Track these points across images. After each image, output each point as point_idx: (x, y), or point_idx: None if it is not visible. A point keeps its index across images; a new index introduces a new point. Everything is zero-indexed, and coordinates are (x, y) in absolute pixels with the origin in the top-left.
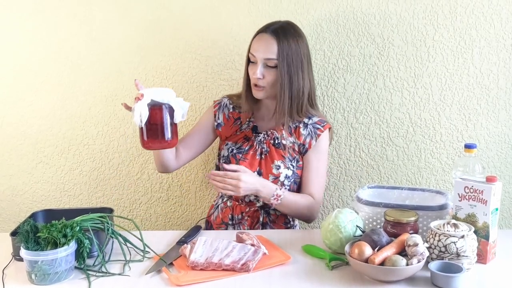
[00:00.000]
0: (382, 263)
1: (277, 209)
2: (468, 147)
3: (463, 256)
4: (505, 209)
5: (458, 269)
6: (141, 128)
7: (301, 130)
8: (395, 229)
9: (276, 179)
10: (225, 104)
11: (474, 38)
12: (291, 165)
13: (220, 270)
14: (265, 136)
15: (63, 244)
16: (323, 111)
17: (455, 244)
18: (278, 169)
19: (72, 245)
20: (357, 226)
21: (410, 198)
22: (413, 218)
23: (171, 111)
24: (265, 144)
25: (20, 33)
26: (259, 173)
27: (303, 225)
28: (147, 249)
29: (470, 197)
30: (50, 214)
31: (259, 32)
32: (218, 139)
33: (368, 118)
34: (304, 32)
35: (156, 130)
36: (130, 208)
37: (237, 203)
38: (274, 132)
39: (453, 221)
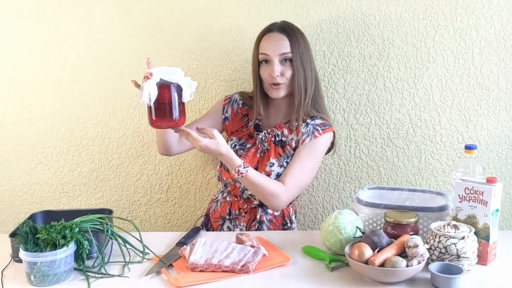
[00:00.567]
0: (382, 265)
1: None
2: (469, 148)
3: (463, 257)
4: (506, 210)
5: (458, 271)
6: (150, 107)
7: (302, 128)
8: (395, 230)
9: (267, 176)
10: (235, 99)
11: (475, 39)
12: (286, 162)
13: (219, 272)
14: (266, 134)
15: (62, 246)
16: None
17: (456, 246)
18: (271, 166)
19: (71, 247)
20: (357, 227)
21: (410, 199)
22: (413, 219)
23: (180, 90)
24: (266, 143)
25: (20, 34)
26: (256, 169)
27: (303, 226)
28: (146, 250)
29: (470, 198)
30: (49, 215)
31: (265, 32)
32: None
33: (368, 119)
34: (304, 33)
35: (164, 109)
36: (129, 209)
37: (235, 199)
38: (275, 129)
39: (454, 222)
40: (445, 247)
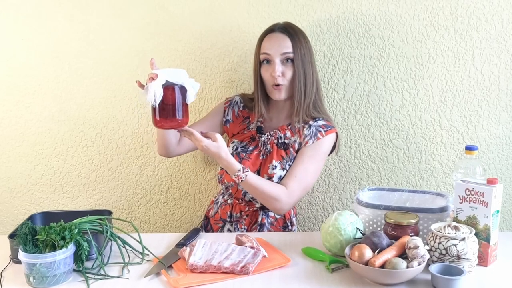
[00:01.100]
0: (382, 266)
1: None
2: (469, 149)
3: (464, 258)
4: (506, 211)
5: (459, 272)
6: (154, 108)
7: (304, 130)
8: (395, 231)
9: (270, 179)
10: (236, 102)
11: (475, 40)
12: (289, 165)
13: (219, 273)
14: (269, 136)
15: (62, 247)
16: None
17: (456, 247)
18: (273, 169)
19: (71, 248)
20: (357, 228)
21: (411, 200)
22: (413, 221)
23: (184, 91)
24: (269, 145)
25: (19, 34)
26: (258, 172)
27: (303, 227)
28: (146, 251)
29: (471, 199)
30: (49, 216)
31: (267, 32)
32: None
33: (368, 120)
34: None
35: (168, 110)
36: (129, 211)
37: (237, 201)
38: (278, 131)
39: (454, 223)
40: (446, 248)
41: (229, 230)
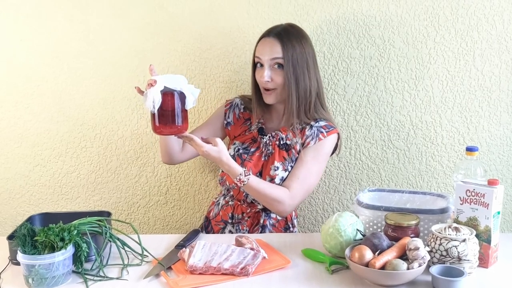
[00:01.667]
0: (382, 267)
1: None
2: (470, 150)
3: (464, 260)
4: (507, 212)
5: (459, 273)
6: (153, 114)
7: (306, 131)
8: (396, 232)
9: (272, 180)
10: (236, 104)
11: (476, 40)
12: (291, 166)
13: (219, 274)
14: (271, 138)
15: (61, 248)
16: None
17: (457, 248)
18: (275, 170)
19: (70, 249)
20: (357, 229)
21: (411, 201)
22: (414, 222)
23: (183, 97)
24: (270, 146)
25: (17, 35)
26: (260, 173)
27: (303, 228)
28: (145, 253)
29: (471, 200)
30: (47, 218)
31: (262, 37)
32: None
33: (369, 121)
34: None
35: (167, 116)
36: (128, 212)
37: (239, 203)
38: (279, 133)
39: (455, 224)
40: (446, 250)
41: (230, 232)
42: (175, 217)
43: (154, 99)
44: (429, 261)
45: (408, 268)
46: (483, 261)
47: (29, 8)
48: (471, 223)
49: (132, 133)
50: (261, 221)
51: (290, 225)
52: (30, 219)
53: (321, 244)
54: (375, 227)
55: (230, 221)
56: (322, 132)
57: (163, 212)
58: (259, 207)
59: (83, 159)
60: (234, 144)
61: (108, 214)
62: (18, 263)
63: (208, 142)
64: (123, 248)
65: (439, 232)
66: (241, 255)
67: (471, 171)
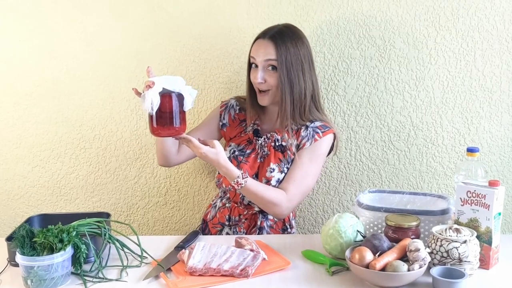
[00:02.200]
0: (383, 269)
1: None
2: (471, 150)
3: (465, 261)
4: (508, 213)
5: (460, 275)
6: (151, 116)
7: (301, 132)
8: (396, 234)
9: (268, 182)
10: (231, 105)
11: (477, 40)
12: (287, 167)
13: (218, 276)
14: (266, 139)
15: (60, 250)
16: None
17: (457, 249)
18: (271, 172)
19: (69, 251)
20: (357, 231)
21: (412, 202)
22: (414, 223)
23: (181, 98)
24: (266, 148)
25: (16, 36)
26: (256, 175)
27: (303, 229)
28: (144, 254)
29: (472, 201)
30: (46, 219)
31: (257, 38)
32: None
33: (369, 122)
34: (304, 34)
35: (165, 117)
36: (127, 213)
37: (236, 204)
38: (275, 134)
39: (455, 226)
40: (447, 251)
41: (227, 234)
42: (175, 218)
43: (153, 101)
44: (429, 262)
45: (408, 270)
46: (484, 262)
47: (28, 9)
48: (472, 224)
49: (131, 134)
50: (258, 223)
51: (288, 226)
52: (29, 220)
53: (321, 246)
54: (375, 228)
55: (227, 223)
56: (317, 132)
57: (162, 213)
58: (256, 209)
59: (82, 160)
60: (230, 145)
61: (107, 215)
62: (16, 265)
63: (205, 144)
64: (122, 250)
65: (440, 234)
66: (240, 256)
67: (472, 172)
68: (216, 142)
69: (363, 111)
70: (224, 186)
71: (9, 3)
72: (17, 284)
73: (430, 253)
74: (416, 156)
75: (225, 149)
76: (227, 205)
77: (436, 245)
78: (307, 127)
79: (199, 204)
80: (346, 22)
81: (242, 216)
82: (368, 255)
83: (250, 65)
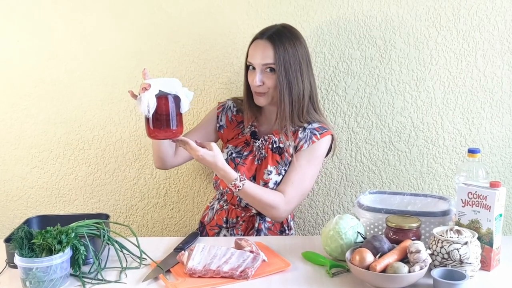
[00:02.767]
0: (383, 270)
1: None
2: (472, 151)
3: (466, 263)
4: (509, 215)
5: (461, 276)
6: (148, 118)
7: (299, 133)
8: (397, 235)
9: (266, 185)
10: (229, 106)
11: (478, 41)
12: (284, 170)
13: (218, 277)
14: (263, 141)
15: (58, 251)
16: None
17: (458, 251)
18: (269, 174)
19: (67, 252)
20: (358, 232)
21: (412, 203)
22: (415, 224)
23: (178, 101)
24: (263, 150)
25: (15, 36)
26: (254, 177)
27: (303, 231)
28: (144, 256)
29: (473, 202)
30: (45, 220)
31: (255, 39)
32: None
33: (370, 122)
34: (304, 35)
35: (162, 120)
36: (126, 214)
37: (233, 207)
38: (272, 136)
39: (456, 227)
40: (448, 253)
41: (225, 236)
42: (174, 220)
43: (149, 103)
44: (430, 264)
45: (409, 271)
46: (485, 264)
47: (27, 9)
48: (473, 226)
49: (131, 134)
50: (256, 225)
51: (286, 228)
52: (28, 222)
53: (321, 247)
54: (376, 229)
55: (224, 225)
56: (315, 134)
57: (161, 214)
58: (254, 211)
59: (81, 161)
60: (227, 147)
61: (106, 216)
62: (15, 266)
63: (203, 146)
64: (121, 251)
65: (441, 235)
66: (240, 258)
67: (473, 173)
68: (214, 145)
69: (363, 111)
70: (221, 188)
71: (7, 3)
72: (16, 286)
73: (431, 255)
74: (417, 157)
75: (222, 151)
76: (224, 207)
77: (437, 246)
78: (304, 128)
79: (199, 205)
80: (346, 22)
81: (239, 218)
82: (369, 257)
83: (247, 66)
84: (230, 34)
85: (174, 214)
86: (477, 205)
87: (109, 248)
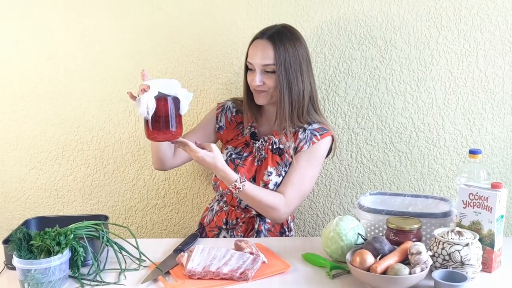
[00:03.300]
0: (384, 272)
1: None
2: (473, 152)
3: (467, 264)
4: (511, 216)
5: (462, 278)
6: (147, 120)
7: (299, 134)
8: (397, 237)
9: (266, 186)
10: (228, 107)
11: (479, 41)
12: (284, 171)
13: (218, 279)
14: (263, 142)
15: (57, 252)
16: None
17: (459, 253)
18: (269, 175)
19: (66, 253)
20: (358, 233)
21: (413, 205)
22: (416, 226)
23: (177, 102)
24: (263, 151)
25: (13, 36)
26: (253, 179)
27: (303, 232)
28: (143, 257)
29: (474, 204)
30: (44, 222)
31: (255, 38)
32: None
33: (370, 123)
34: (304, 35)
35: (161, 121)
36: (125, 215)
37: (233, 208)
38: (272, 137)
39: (457, 228)
40: (449, 254)
41: (225, 238)
42: (173, 221)
43: (148, 105)
44: (431, 265)
45: (410, 273)
46: (487, 265)
47: (25, 9)
48: (474, 227)
49: (130, 135)
50: (256, 226)
51: (286, 229)
52: (26, 223)
53: (321, 249)
54: (376, 231)
55: (224, 227)
56: (315, 135)
57: (161, 215)
58: (254, 212)
59: (79, 162)
60: (227, 148)
61: (105, 217)
62: (13, 268)
63: (202, 148)
64: (121, 253)
65: (442, 236)
66: (240, 259)
67: (474, 174)
68: (213, 146)
69: (364, 112)
70: (221, 189)
71: (6, 2)
72: None
73: (432, 256)
74: (417, 158)
75: (221, 152)
76: (224, 208)
77: (438, 248)
78: (305, 129)
79: (198, 206)
80: (347, 22)
81: (239, 219)
82: (369, 258)
83: (247, 66)
84: (230, 34)
85: (173, 216)
86: (478, 206)
87: (108, 249)
